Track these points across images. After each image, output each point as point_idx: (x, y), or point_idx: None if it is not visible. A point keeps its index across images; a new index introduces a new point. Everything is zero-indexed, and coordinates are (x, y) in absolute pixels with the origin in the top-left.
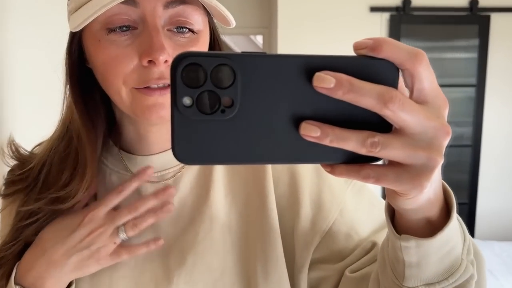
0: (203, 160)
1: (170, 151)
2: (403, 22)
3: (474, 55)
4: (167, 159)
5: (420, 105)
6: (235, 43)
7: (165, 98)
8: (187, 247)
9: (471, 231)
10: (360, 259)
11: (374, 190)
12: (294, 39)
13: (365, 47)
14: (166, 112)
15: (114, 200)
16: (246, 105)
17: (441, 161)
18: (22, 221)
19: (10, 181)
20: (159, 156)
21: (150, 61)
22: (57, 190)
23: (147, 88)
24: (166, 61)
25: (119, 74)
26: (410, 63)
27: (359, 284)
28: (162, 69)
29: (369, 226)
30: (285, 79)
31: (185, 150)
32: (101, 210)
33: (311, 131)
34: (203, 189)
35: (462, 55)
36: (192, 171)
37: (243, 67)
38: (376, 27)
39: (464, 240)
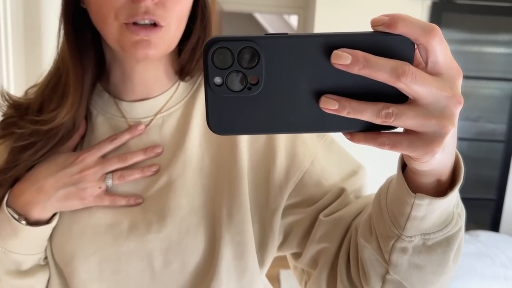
0: (233, 131)
1: (153, 99)
2: (444, 10)
3: None
4: (151, 106)
5: (434, 77)
6: (267, 22)
7: (151, 37)
8: (162, 186)
9: (497, 227)
10: (331, 203)
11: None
12: (332, 22)
13: (381, 23)
14: (151, 50)
15: (107, 147)
16: (270, 82)
17: (452, 129)
18: (16, 142)
19: (6, 124)
20: (144, 103)
21: None
22: (42, 114)
23: (135, 25)
24: None
25: (111, 9)
26: (424, 38)
27: (334, 226)
28: (149, 4)
29: (338, 175)
30: (305, 57)
31: (218, 122)
32: (94, 154)
33: (330, 104)
34: (181, 136)
35: (503, 50)
36: (173, 119)
37: (266, 48)
38: (417, 14)
39: (457, 195)
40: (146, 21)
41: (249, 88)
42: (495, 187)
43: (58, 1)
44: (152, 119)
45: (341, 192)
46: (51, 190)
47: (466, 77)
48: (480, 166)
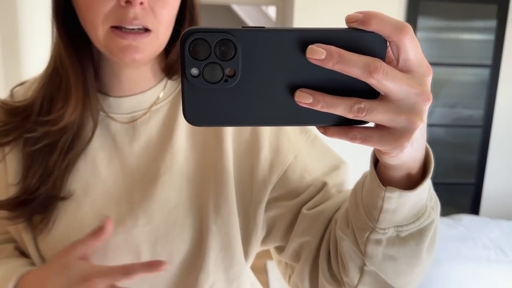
0: (208, 122)
1: (141, 94)
2: None
3: (491, 37)
4: (138, 102)
5: (404, 74)
6: (245, 13)
7: (139, 42)
8: (149, 181)
9: (477, 210)
10: (313, 197)
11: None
12: (310, 13)
13: (356, 20)
14: (139, 55)
15: (120, 279)
16: (247, 75)
17: (420, 124)
18: (30, 147)
19: (4, 130)
20: (131, 98)
21: (127, 2)
22: (49, 115)
23: (122, 31)
24: (141, 3)
25: (99, 13)
26: (396, 35)
27: (315, 219)
28: (137, 10)
29: (320, 169)
30: (282, 51)
31: (194, 113)
32: (104, 281)
33: (305, 98)
34: (168, 131)
35: (479, 36)
36: (159, 115)
37: (243, 41)
38: (395, 3)
39: (429, 189)
40: (135, 27)
41: (226, 80)
42: (474, 172)
43: (34, 3)
44: (139, 114)
45: (323, 186)
46: None
47: (443, 64)
48: (459, 151)
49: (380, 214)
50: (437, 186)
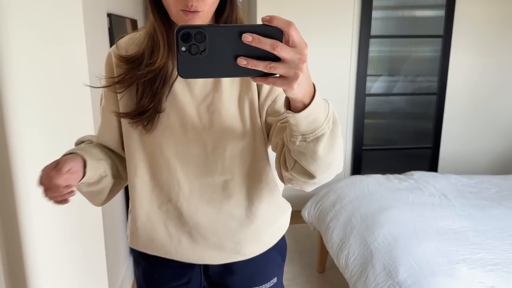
0: (192, 76)
1: None
2: None
3: (442, 12)
4: None
5: (292, 48)
6: None
7: (194, 18)
8: (210, 102)
9: (435, 170)
10: (285, 117)
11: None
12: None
13: (266, 20)
14: (194, 22)
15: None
16: (212, 50)
17: (301, 74)
18: (142, 78)
19: (128, 77)
20: None
21: None
22: (149, 59)
23: (185, 11)
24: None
25: (173, 2)
26: (286, 28)
27: (282, 130)
28: (194, 3)
29: None
30: (229, 37)
31: (183, 71)
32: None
33: (243, 62)
34: (216, 82)
35: (431, 12)
36: None
37: (209, 32)
38: None
39: (327, 114)
40: (192, 9)
41: (201, 53)
42: (431, 136)
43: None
44: None
45: None
46: None
47: (399, 36)
48: (417, 118)
49: (292, 126)
50: (398, 151)
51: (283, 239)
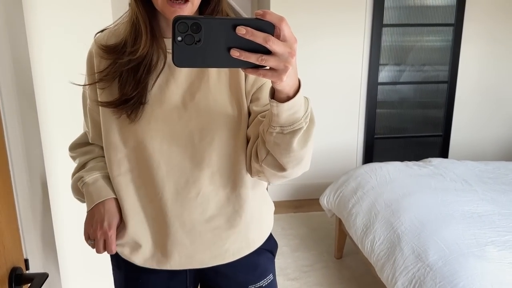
0: (186, 65)
1: None
2: None
3: (453, 1)
4: None
5: (283, 42)
6: None
7: (181, 9)
8: (195, 90)
9: (445, 157)
10: (266, 111)
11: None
12: None
13: (259, 15)
14: (181, 13)
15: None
16: (207, 41)
17: (290, 67)
18: (125, 66)
19: (114, 65)
20: None
21: None
22: (132, 47)
23: (172, 2)
24: None
25: None
26: (278, 23)
27: (259, 124)
28: None
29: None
30: (224, 29)
31: (178, 60)
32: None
33: (236, 53)
34: (201, 72)
35: (442, 1)
36: None
37: (205, 24)
38: None
39: (306, 111)
40: (180, 1)
41: (196, 43)
42: (442, 125)
43: None
44: None
45: None
46: None
47: (411, 25)
48: (428, 108)
49: (272, 117)
50: (408, 139)
51: (271, 238)
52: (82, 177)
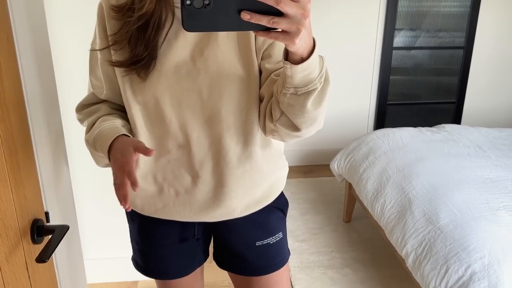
0: (196, 29)
1: None
2: None
3: None
4: None
5: (295, 3)
6: None
7: None
8: (204, 45)
9: (458, 123)
10: (279, 68)
11: None
12: None
13: None
14: None
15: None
16: (217, 4)
17: (302, 29)
18: (133, 25)
19: (122, 26)
20: None
21: None
22: (139, 3)
23: None
24: None
25: None
26: None
27: (273, 82)
28: None
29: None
30: None
31: (188, 24)
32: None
33: (247, 16)
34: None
35: None
36: None
37: None
38: None
39: (321, 71)
40: None
41: (205, 7)
42: (456, 91)
43: None
44: None
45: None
46: None
47: None
48: (441, 74)
49: (286, 78)
50: (420, 105)
51: (282, 196)
52: (87, 140)
